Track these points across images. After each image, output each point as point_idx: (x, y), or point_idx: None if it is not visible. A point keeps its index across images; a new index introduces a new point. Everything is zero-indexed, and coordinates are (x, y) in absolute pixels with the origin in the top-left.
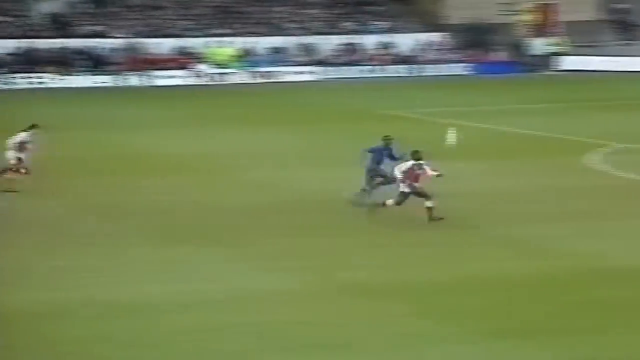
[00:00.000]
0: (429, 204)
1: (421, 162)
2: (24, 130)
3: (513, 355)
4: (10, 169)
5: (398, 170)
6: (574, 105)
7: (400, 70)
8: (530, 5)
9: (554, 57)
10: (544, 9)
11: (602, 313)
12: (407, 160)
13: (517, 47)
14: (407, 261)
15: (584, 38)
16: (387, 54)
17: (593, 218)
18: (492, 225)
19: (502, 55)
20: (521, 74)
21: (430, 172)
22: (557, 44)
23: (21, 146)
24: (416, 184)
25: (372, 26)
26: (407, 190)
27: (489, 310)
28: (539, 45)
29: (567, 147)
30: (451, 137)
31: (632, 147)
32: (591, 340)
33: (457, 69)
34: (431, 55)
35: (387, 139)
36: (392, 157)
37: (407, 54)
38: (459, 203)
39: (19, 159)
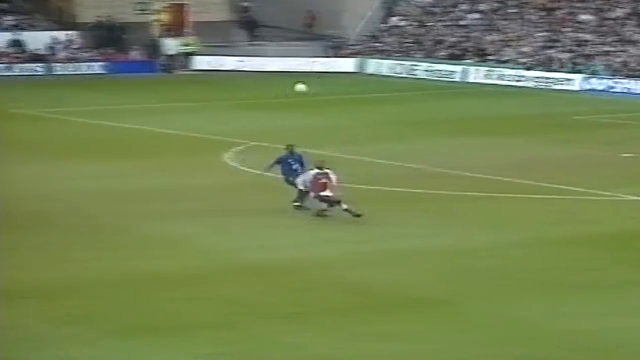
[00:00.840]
0: (344, 206)
1: (325, 170)
2: None
3: (145, 353)
4: None
5: (302, 183)
6: (210, 105)
7: (33, 68)
8: (163, 5)
9: (188, 57)
10: (177, 9)
11: (231, 308)
12: (311, 169)
13: (151, 47)
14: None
15: (216, 38)
16: (18, 52)
17: (230, 214)
18: (132, 224)
19: (137, 55)
20: (156, 73)
21: (335, 179)
22: (191, 44)
23: None
24: (324, 193)
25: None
26: (317, 200)
27: (120, 309)
28: (173, 45)
29: (206, 146)
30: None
31: (265, 145)
32: (220, 336)
33: (92, 68)
34: (65, 54)
35: (290, 147)
36: (302, 164)
37: (40, 52)
38: (101, 202)
39: None
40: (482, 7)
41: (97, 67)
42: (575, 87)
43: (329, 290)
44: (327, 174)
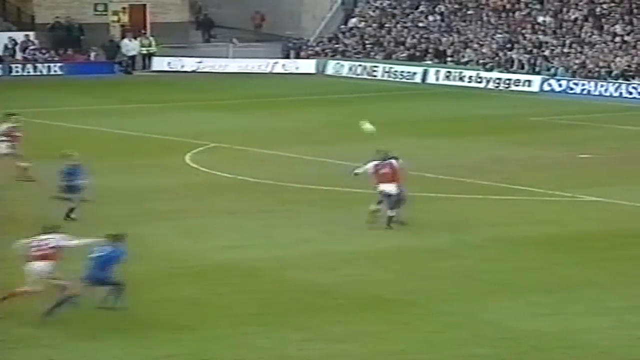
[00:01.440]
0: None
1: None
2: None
3: (107, 355)
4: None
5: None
6: (170, 106)
7: None
8: (122, 6)
9: (147, 58)
10: (136, 10)
11: (196, 310)
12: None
13: (110, 48)
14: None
15: (176, 39)
16: None
17: (191, 216)
18: (93, 227)
19: (95, 56)
20: (115, 74)
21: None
22: (149, 45)
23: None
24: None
25: None
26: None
27: (85, 311)
28: (132, 46)
29: (166, 147)
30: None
31: (225, 146)
32: (183, 337)
33: (50, 69)
34: (22, 55)
35: (382, 152)
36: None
37: None
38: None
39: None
40: (441, 8)
41: (55, 68)
42: (535, 89)
43: (295, 291)
44: (390, 163)
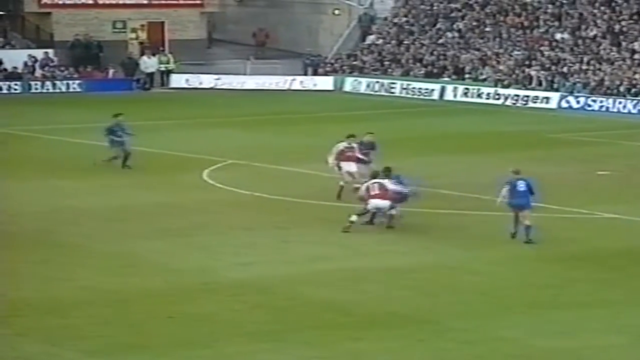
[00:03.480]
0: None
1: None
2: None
3: None
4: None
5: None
6: (187, 123)
7: (10, 87)
8: (140, 23)
9: (166, 75)
10: (155, 27)
11: (210, 327)
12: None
13: (128, 65)
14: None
15: (194, 56)
16: None
17: (207, 232)
18: (109, 243)
19: (114, 73)
20: (134, 91)
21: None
22: (167, 62)
23: None
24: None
25: None
26: None
27: (100, 328)
28: (150, 63)
29: (184, 164)
30: None
31: (243, 163)
32: (198, 354)
33: (69, 86)
34: (42, 72)
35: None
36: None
37: (17, 70)
38: (69, 221)
39: None
40: (459, 25)
41: (74, 85)
42: (553, 105)
43: (310, 308)
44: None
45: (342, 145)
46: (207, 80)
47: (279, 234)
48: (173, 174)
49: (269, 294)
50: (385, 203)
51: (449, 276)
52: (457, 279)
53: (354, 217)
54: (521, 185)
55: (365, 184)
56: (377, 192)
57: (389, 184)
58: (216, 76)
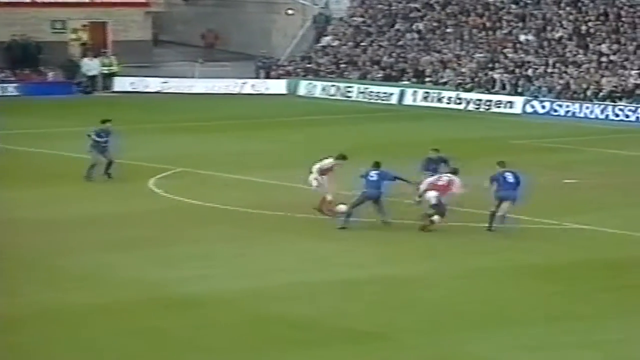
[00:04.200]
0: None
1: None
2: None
3: None
4: None
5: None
6: (132, 128)
7: None
8: (82, 23)
9: (109, 78)
10: (97, 27)
11: (162, 343)
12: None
13: (69, 67)
14: None
15: (138, 58)
16: None
17: (157, 244)
18: (57, 255)
19: (54, 76)
20: (75, 95)
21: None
22: (110, 65)
23: None
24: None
25: None
26: None
27: (48, 344)
28: (92, 65)
29: (130, 172)
30: None
31: (192, 171)
32: None
33: (5, 89)
34: None
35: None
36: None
37: None
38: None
39: None
40: (419, 26)
41: (10, 89)
42: (517, 110)
43: (263, 323)
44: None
45: (329, 162)
46: (152, 84)
47: (234, 245)
48: (118, 183)
49: (223, 309)
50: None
51: (410, 290)
52: (419, 293)
53: (435, 218)
54: (509, 177)
55: (433, 178)
56: (443, 183)
57: (458, 183)
58: (162, 79)
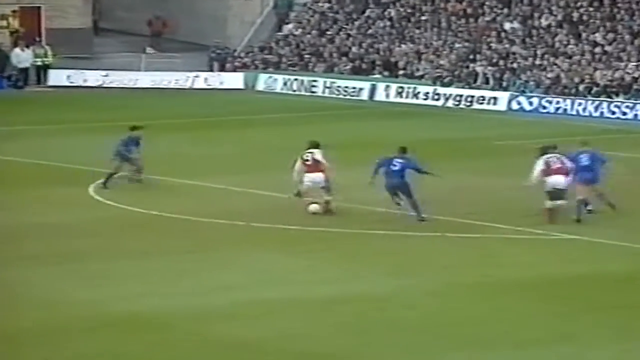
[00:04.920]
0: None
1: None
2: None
3: None
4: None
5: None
6: (70, 128)
7: None
8: (12, 9)
9: (43, 71)
10: (30, 14)
11: None
12: None
13: None
14: None
15: (76, 48)
16: None
17: (93, 258)
18: None
19: None
20: (4, 90)
21: None
22: (44, 55)
23: None
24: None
25: None
26: None
27: None
28: (23, 56)
29: (65, 177)
30: None
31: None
32: None
33: None
34: None
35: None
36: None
37: None
38: None
39: None
40: (391, 13)
41: None
42: (501, 107)
43: (213, 347)
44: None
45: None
46: (92, 77)
47: (181, 259)
48: (52, 189)
49: (166, 331)
50: (566, 181)
51: (379, 309)
52: (389, 313)
53: (559, 202)
54: (584, 159)
55: (543, 159)
56: (558, 166)
57: (566, 160)
58: (104, 72)
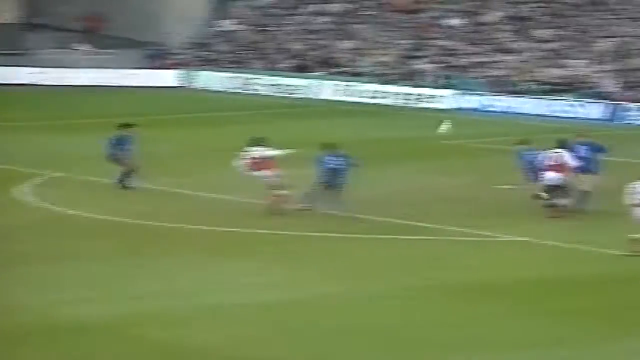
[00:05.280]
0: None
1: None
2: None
3: None
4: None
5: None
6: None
7: None
8: None
9: None
10: None
11: None
12: None
13: None
14: None
15: (5, 45)
16: None
17: (31, 263)
18: None
19: None
20: None
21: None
22: None
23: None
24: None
25: None
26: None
27: None
28: None
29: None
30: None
31: (69, 175)
32: None
33: None
34: None
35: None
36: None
37: None
38: None
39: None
40: (333, 8)
41: None
42: (446, 106)
43: (158, 353)
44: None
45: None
46: (24, 75)
47: (117, 263)
48: None
49: (107, 337)
50: (558, 177)
51: (317, 314)
52: (329, 319)
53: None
54: (581, 150)
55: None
56: (551, 163)
57: (568, 157)
58: (36, 69)
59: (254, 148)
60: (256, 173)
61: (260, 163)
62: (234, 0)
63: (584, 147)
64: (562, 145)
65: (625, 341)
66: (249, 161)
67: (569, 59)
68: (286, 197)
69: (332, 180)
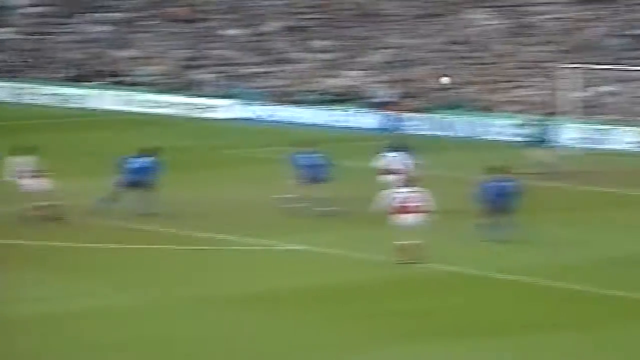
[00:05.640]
0: None
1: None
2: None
3: None
4: None
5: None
6: None
7: None
8: None
9: None
10: None
11: None
12: None
13: None
14: None
15: None
16: None
17: None
18: None
19: None
20: None
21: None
22: None
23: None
24: None
25: None
26: None
27: None
28: None
29: None
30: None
31: None
32: None
33: None
34: None
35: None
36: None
37: None
38: None
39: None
40: (112, 17)
41: None
42: (223, 115)
43: None
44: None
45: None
46: None
47: None
48: None
49: None
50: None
51: (109, 325)
52: (104, 331)
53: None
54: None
55: None
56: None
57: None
58: None
59: (21, 158)
60: (24, 182)
61: (31, 172)
62: (10, 9)
63: (313, 156)
64: (396, 149)
65: (391, 347)
66: (18, 171)
67: (346, 69)
68: (55, 207)
69: (137, 181)
